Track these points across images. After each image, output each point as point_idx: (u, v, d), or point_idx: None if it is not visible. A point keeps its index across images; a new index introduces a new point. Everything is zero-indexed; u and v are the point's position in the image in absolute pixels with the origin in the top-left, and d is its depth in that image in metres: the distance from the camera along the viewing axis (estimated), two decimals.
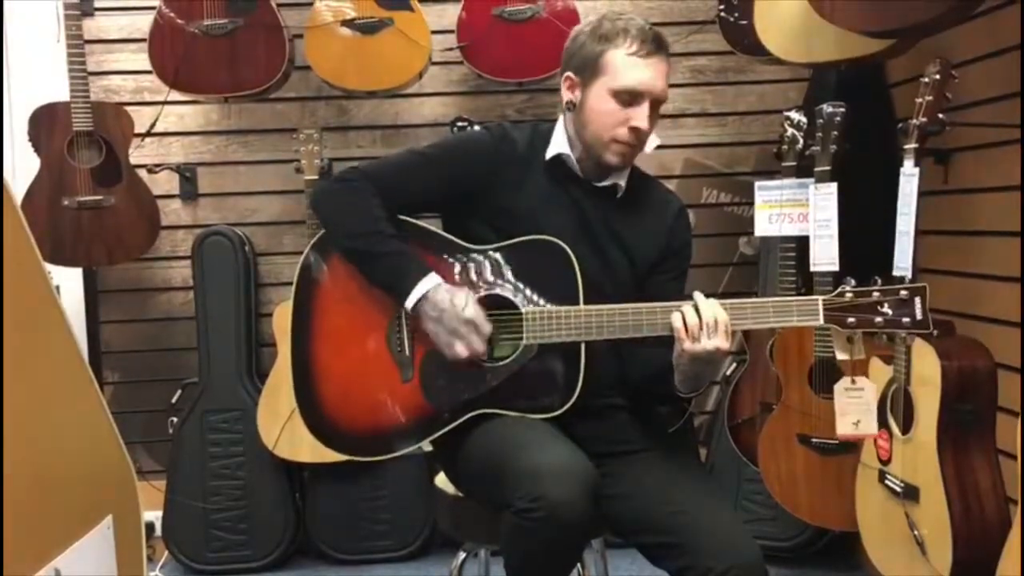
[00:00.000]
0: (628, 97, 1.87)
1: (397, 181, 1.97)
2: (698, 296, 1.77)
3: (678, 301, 1.79)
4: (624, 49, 1.86)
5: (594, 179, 1.97)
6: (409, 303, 1.87)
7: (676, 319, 1.75)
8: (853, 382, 2.27)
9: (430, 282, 1.87)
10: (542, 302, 1.86)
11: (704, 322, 1.73)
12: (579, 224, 1.94)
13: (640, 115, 1.88)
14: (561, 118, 2.00)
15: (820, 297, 1.78)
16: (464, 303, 1.83)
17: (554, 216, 1.92)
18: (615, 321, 1.81)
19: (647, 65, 1.86)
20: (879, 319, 1.76)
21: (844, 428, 2.29)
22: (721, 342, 1.73)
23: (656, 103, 1.90)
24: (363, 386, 1.96)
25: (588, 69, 1.90)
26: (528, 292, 1.87)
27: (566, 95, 1.96)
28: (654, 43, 1.87)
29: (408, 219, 1.97)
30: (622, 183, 1.99)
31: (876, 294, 1.76)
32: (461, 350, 1.84)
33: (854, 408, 2.27)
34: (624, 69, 1.86)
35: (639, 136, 1.90)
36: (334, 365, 1.97)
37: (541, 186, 1.96)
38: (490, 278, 1.91)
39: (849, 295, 1.77)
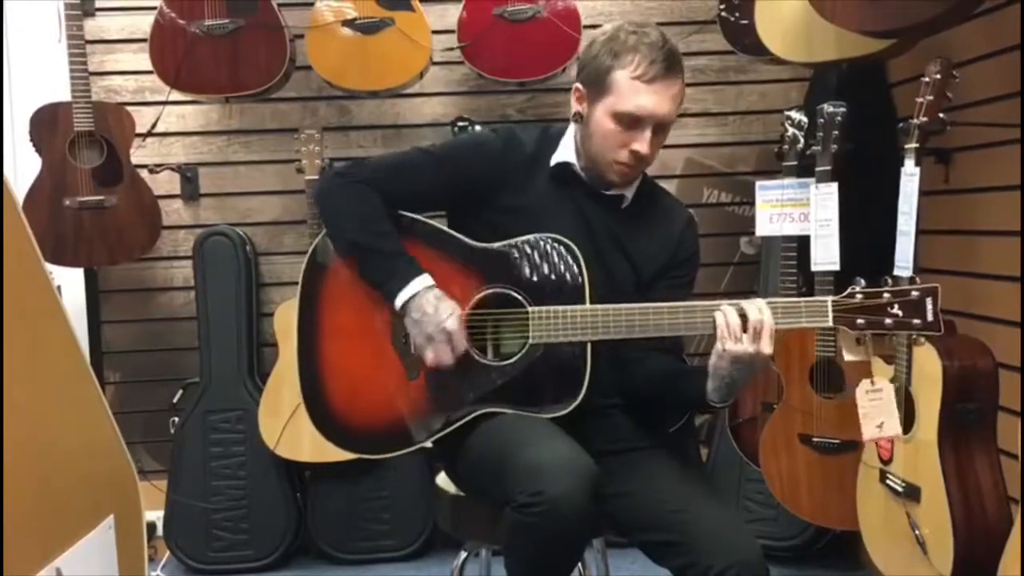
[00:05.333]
0: (630, 121, 1.84)
1: (401, 179, 1.96)
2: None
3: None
4: (630, 71, 1.81)
5: (600, 187, 1.96)
6: (399, 301, 1.87)
7: (719, 317, 1.72)
8: (872, 384, 2.21)
9: (421, 283, 1.87)
10: (548, 300, 1.85)
11: (750, 323, 1.70)
12: (582, 229, 1.92)
13: (641, 140, 1.84)
14: (571, 126, 1.98)
15: (829, 298, 1.73)
16: (448, 314, 1.84)
17: (557, 219, 1.91)
18: (621, 321, 1.80)
19: (651, 91, 1.82)
20: (889, 320, 1.71)
21: (869, 431, 2.23)
22: (764, 346, 1.69)
23: (661, 126, 1.87)
24: (369, 384, 1.96)
25: (595, 85, 1.86)
26: (534, 290, 1.87)
27: (575, 106, 1.92)
28: (664, 64, 1.81)
29: (415, 216, 1.97)
30: (628, 194, 1.98)
31: (886, 295, 1.71)
32: (430, 356, 1.85)
33: (877, 410, 2.21)
34: (627, 94, 1.82)
35: (640, 159, 1.87)
36: (340, 362, 1.98)
37: (546, 189, 1.95)
38: (496, 275, 1.90)
39: (859, 296, 1.72)
